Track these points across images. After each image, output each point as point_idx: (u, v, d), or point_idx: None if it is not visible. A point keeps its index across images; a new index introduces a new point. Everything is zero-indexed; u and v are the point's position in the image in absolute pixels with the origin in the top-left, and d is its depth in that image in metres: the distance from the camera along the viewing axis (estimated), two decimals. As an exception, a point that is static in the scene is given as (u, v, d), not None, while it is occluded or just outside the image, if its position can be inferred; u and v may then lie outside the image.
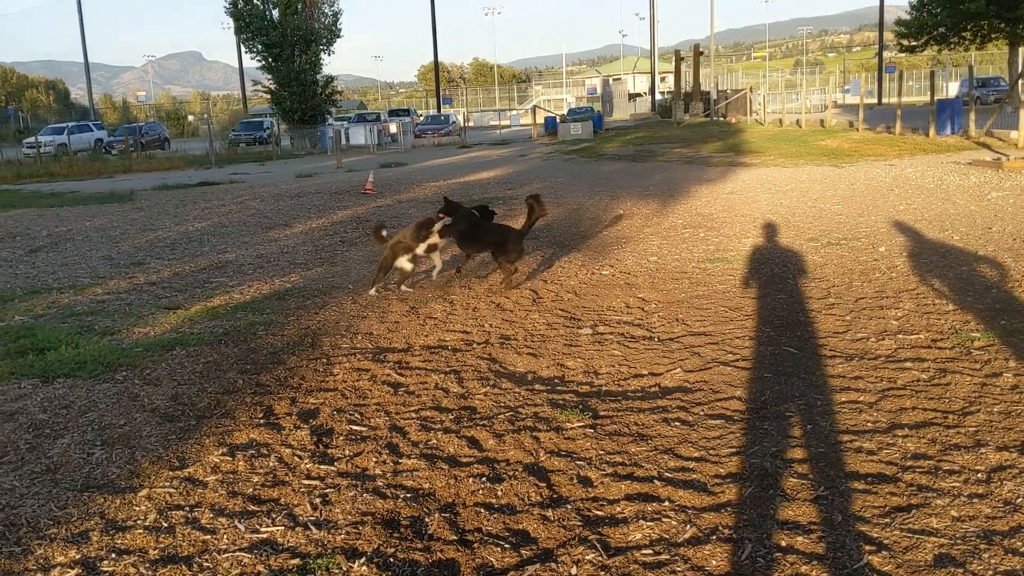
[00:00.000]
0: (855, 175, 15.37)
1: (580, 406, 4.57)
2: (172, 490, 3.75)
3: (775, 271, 7.85)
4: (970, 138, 21.33)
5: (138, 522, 3.48)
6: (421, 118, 51.44)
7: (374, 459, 3.99)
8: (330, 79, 43.53)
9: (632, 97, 70.32)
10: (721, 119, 38.47)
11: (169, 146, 45.32)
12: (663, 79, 72.05)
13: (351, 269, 8.96)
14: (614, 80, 76.83)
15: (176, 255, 10.39)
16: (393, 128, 41.28)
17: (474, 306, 7.06)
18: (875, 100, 51.44)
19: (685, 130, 33.18)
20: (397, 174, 21.84)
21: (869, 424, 4.14)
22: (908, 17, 40.52)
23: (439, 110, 55.36)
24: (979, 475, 3.55)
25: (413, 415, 4.56)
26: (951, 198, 11.70)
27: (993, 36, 38.75)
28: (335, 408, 4.70)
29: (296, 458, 4.04)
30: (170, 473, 3.92)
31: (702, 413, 4.41)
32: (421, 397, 4.85)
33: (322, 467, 3.94)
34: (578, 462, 3.88)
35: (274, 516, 3.49)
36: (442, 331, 6.31)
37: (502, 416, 4.48)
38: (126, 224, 13.69)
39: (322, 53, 42.27)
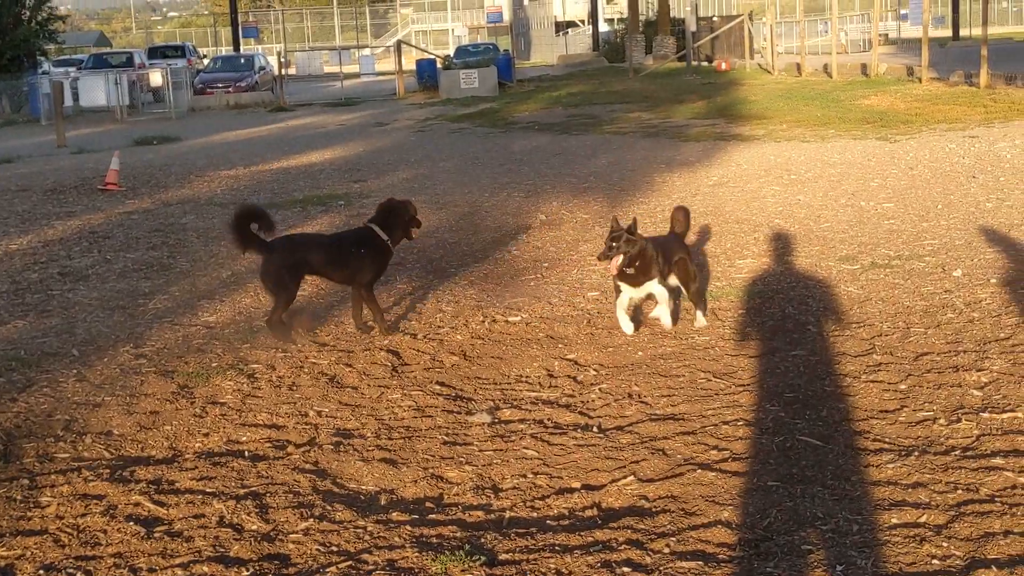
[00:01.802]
0: (916, 154, 15.93)
1: (468, 546, 4.57)
2: None
3: (788, 312, 8.06)
4: (1097, 93, 22.35)
5: None
6: (206, 62, 51.10)
7: (109, 651, 3.90)
8: (45, -4, 42.95)
9: (562, 28, 71.61)
10: (705, 64, 39.53)
11: None
12: (612, 0, 73.61)
13: (77, 321, 8.76)
14: (531, 1, 78.12)
15: None
16: (157, 79, 40.79)
17: (292, 381, 7.00)
18: (948, 32, 53.68)
19: (647, 82, 33.96)
20: (163, 157, 21.60)
21: (936, 562, 4.26)
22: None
23: (237, 48, 55.09)
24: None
25: (180, 572, 4.48)
26: (1065, 190, 12.26)
27: None
28: (42, 564, 4.58)
29: (-29, 655, 3.91)
30: None
31: (667, 551, 4.46)
32: (194, 541, 4.76)
33: (16, 669, 3.82)
34: (461, 643, 3.87)
35: None
36: (234, 425, 6.24)
37: (334, 570, 4.45)
38: None
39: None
